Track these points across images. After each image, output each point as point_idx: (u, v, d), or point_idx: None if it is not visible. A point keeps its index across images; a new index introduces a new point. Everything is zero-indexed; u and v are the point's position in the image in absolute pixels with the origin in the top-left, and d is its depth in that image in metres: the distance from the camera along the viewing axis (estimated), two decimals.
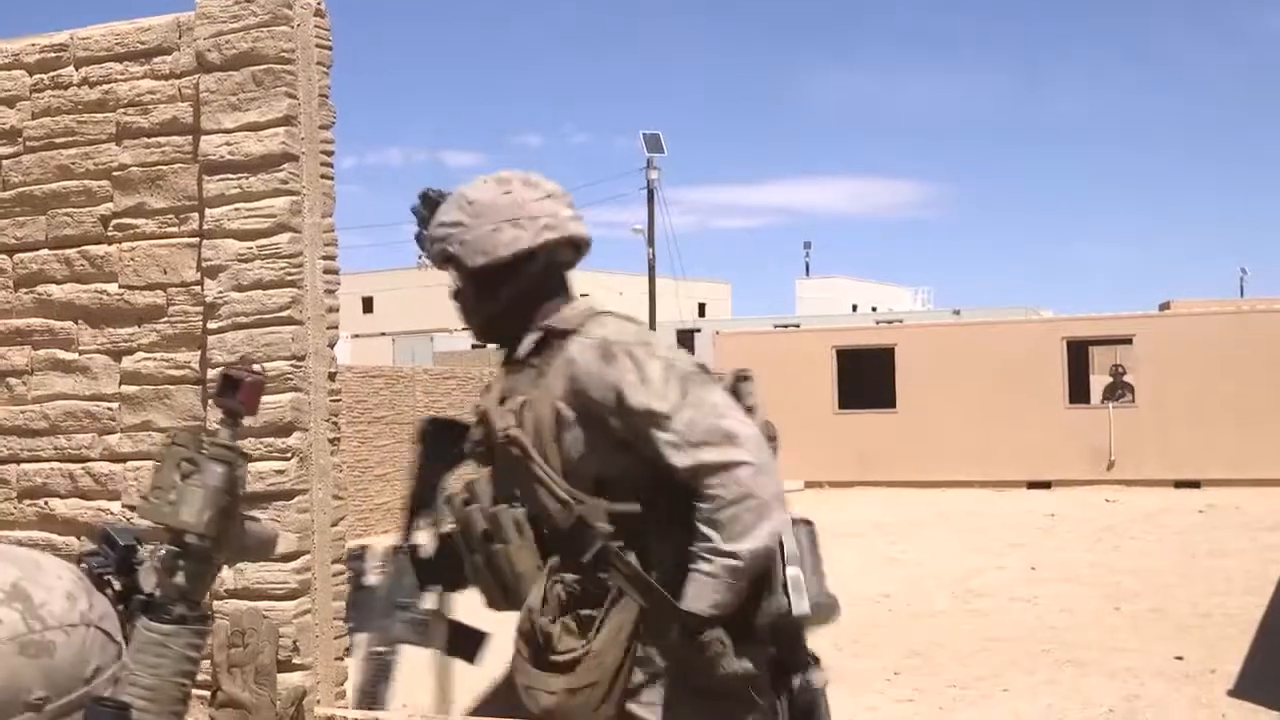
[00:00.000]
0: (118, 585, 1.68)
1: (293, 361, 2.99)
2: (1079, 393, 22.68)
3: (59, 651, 1.51)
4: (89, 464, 3.25)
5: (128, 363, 3.22)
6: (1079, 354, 23.34)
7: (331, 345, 3.14)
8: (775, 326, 33.24)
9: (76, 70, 3.29)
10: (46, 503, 3.28)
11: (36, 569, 1.58)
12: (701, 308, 57.68)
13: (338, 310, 3.17)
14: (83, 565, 1.68)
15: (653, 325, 36.26)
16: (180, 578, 1.77)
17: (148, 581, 1.79)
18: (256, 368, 1.83)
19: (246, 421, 1.79)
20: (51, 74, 3.31)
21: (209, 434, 1.83)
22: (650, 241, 35.58)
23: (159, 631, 1.67)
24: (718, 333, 28.20)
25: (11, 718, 1.45)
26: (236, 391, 1.79)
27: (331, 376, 3.13)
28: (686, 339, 37.40)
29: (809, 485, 24.65)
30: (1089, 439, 21.19)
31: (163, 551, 1.80)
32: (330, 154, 3.15)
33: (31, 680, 1.47)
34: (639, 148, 36.62)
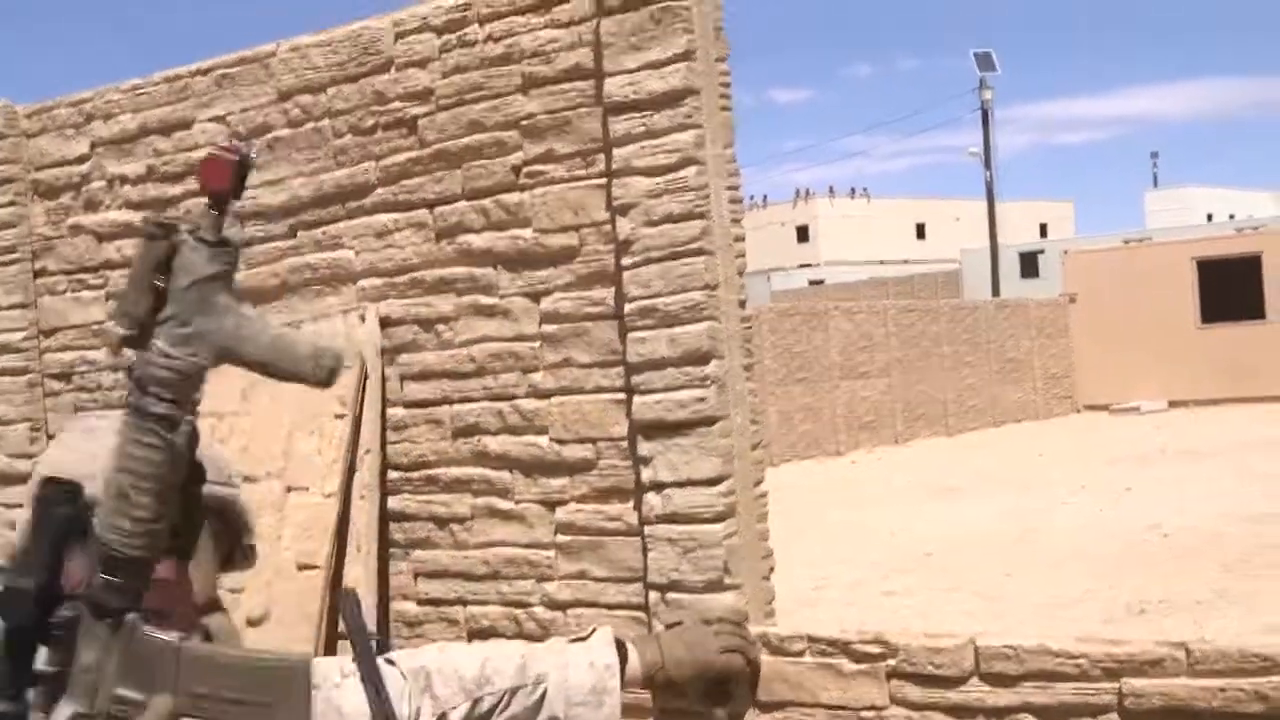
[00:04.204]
0: None
1: (706, 291, 3.06)
2: None
3: None
4: (516, 401, 3.42)
5: (546, 303, 3.37)
6: None
7: (740, 274, 3.19)
8: (1125, 242, 31.70)
9: (481, 27, 3.44)
10: (479, 440, 3.49)
11: None
12: (1043, 228, 55.67)
13: (744, 239, 3.22)
14: None
15: (994, 248, 35.29)
16: None
17: None
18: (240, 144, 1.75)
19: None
20: (458, 33, 3.48)
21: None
22: (987, 164, 34.53)
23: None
24: (1066, 251, 27.18)
25: None
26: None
27: (741, 304, 3.19)
28: (1030, 261, 36.21)
29: (1173, 405, 23.54)
30: None
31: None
32: (727, 85, 3.19)
33: None
34: (970, 68, 35.59)
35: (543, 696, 2.19)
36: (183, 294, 1.63)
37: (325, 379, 1.79)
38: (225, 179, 1.68)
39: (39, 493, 1.62)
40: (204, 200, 1.68)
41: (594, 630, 2.60)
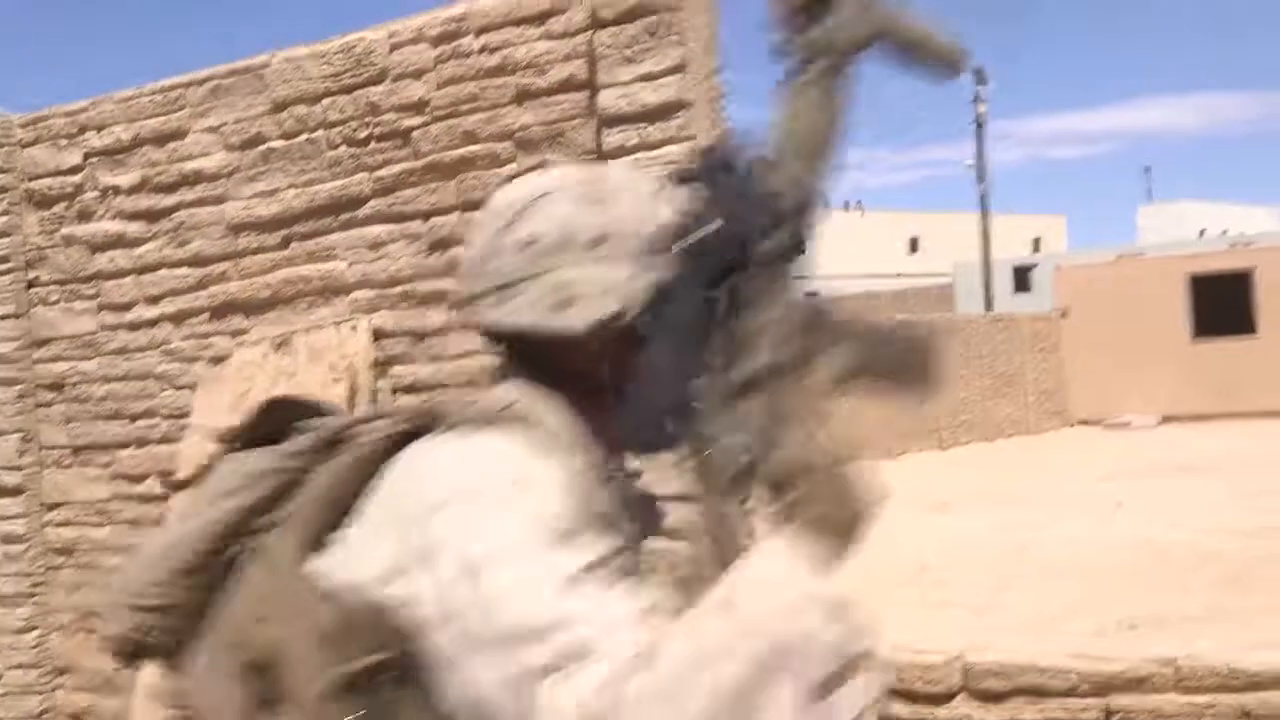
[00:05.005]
0: None
1: None
2: None
3: None
4: None
5: None
6: None
7: None
8: (1118, 257, 31.76)
9: (475, 39, 3.45)
10: None
11: None
12: (1036, 243, 55.75)
13: None
14: None
15: (986, 262, 35.34)
16: None
17: None
18: None
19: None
20: (453, 44, 3.49)
21: None
22: (981, 177, 34.60)
23: None
24: (1058, 266, 27.20)
25: None
26: None
27: None
28: (1023, 275, 36.27)
29: (1165, 420, 23.56)
30: None
31: None
32: (721, 98, 3.20)
33: None
34: (963, 81, 35.67)
35: None
36: None
37: (961, 63, 1.80)
38: None
39: (706, 159, 1.61)
40: None
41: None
